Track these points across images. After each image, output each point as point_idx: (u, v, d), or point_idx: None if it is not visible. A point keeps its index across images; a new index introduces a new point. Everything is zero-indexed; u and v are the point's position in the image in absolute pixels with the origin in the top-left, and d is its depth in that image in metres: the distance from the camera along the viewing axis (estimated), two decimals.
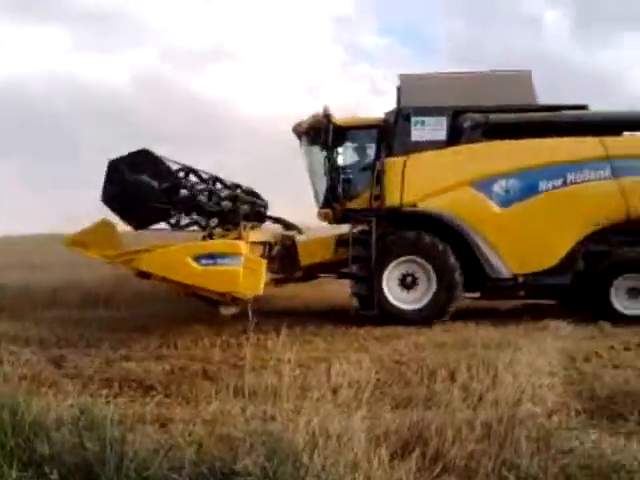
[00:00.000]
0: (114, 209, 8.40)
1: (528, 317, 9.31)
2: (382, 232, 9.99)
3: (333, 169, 10.55)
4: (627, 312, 9.58)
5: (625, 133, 10.42)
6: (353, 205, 10.44)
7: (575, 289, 9.92)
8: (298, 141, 11.32)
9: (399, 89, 10.70)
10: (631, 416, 4.66)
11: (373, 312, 9.65)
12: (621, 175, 9.74)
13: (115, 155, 8.46)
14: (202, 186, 9.33)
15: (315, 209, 11.24)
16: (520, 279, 9.82)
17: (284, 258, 10.42)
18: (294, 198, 13.85)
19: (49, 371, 6.32)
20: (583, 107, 10.45)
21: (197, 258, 7.97)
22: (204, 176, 9.63)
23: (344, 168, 10.79)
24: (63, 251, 10.55)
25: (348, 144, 10.96)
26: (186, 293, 9.14)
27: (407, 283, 9.85)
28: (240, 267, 7.91)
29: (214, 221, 9.21)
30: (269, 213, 11.95)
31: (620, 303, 9.63)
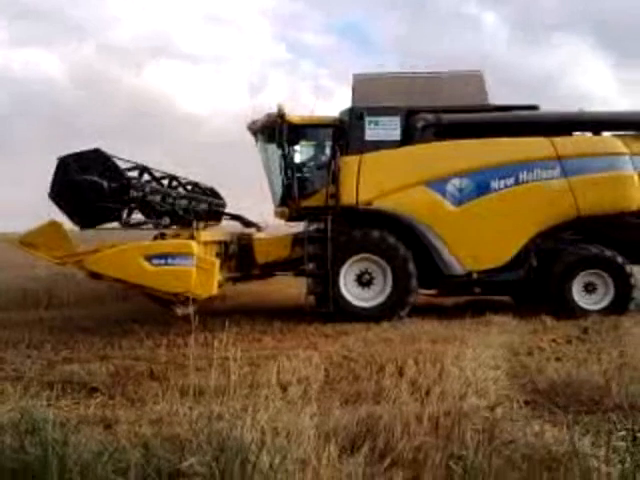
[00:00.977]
0: (61, 207, 8.28)
1: (473, 312, 9.49)
2: (337, 230, 10.09)
3: (288, 167, 10.59)
4: (587, 307, 9.93)
5: (575, 133, 10.74)
6: (309, 203, 10.50)
7: (527, 285, 10.23)
8: (253, 139, 11.31)
9: (353, 89, 10.80)
10: (571, 407, 4.80)
11: (329, 309, 9.78)
12: (570, 174, 10.06)
13: (61, 152, 8.29)
14: (153, 185, 9.17)
15: (272, 207, 11.25)
16: (474, 276, 10.07)
17: (241, 256, 10.47)
18: (241, 195, 13.77)
19: None
20: (534, 107, 10.78)
21: (149, 258, 7.94)
22: (157, 175, 9.51)
23: (299, 166, 10.86)
24: None
25: (303, 142, 11.02)
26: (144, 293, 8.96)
27: (364, 281, 9.99)
28: (192, 267, 7.91)
29: (166, 220, 9.10)
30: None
31: (580, 298, 9.99)
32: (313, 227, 10.48)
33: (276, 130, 10.24)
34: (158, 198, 9.05)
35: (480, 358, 6.26)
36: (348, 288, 9.97)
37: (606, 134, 10.70)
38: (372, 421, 4.01)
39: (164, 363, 6.62)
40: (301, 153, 11.04)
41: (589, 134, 10.77)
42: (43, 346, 7.54)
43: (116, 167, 8.27)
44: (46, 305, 11.40)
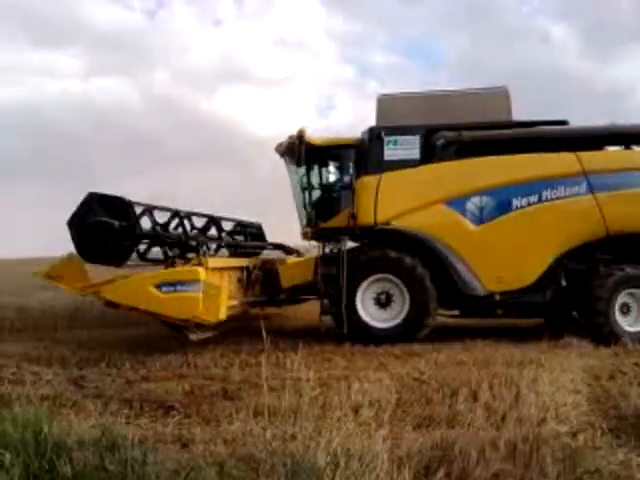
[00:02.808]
0: (73, 238, 8.77)
1: (549, 335, 9.18)
2: (355, 250, 10.11)
3: (311, 188, 10.74)
4: (626, 329, 9.37)
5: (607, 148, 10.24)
6: (332, 224, 10.41)
7: (556, 307, 9.86)
8: (283, 161, 11.39)
9: (377, 109, 10.66)
10: None
11: (343, 330, 9.64)
12: (598, 190, 9.53)
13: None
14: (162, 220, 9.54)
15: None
16: (497, 297, 9.70)
17: (266, 281, 10.60)
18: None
19: (70, 391, 6.32)
20: (563, 122, 10.31)
21: (159, 286, 8.19)
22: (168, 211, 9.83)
23: (322, 187, 10.90)
24: None
25: (325, 164, 10.98)
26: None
27: (382, 301, 9.83)
28: (199, 293, 8.06)
29: (175, 251, 9.31)
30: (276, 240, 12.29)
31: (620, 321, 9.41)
32: (330, 248, 10.53)
33: (295, 152, 10.29)
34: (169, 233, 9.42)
35: (558, 382, 6.05)
36: (366, 308, 9.81)
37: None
38: (446, 446, 3.93)
39: (237, 382, 6.70)
40: (323, 174, 10.99)
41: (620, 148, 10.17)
42: (122, 364, 7.78)
43: (130, 210, 8.71)
44: (124, 324, 11.75)
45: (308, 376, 5.11)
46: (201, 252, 8.78)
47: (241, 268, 9.91)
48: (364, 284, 9.81)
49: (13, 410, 4.28)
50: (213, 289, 8.25)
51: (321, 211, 10.65)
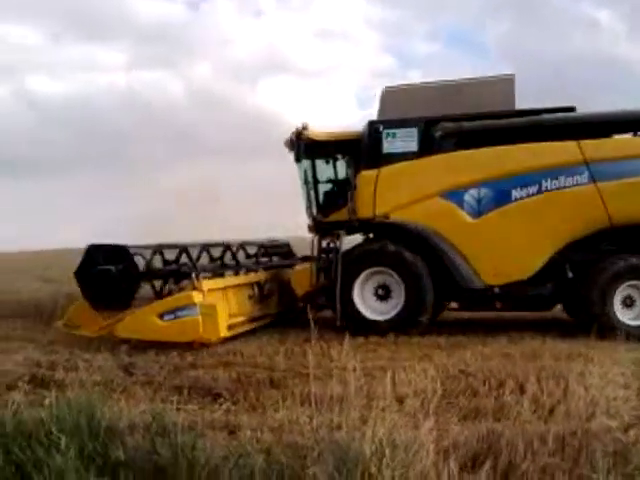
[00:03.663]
0: (82, 289, 9.34)
1: (597, 328, 8.99)
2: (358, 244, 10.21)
3: (315, 182, 10.83)
4: (627, 322, 9.03)
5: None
6: (336, 218, 10.43)
7: (560, 300, 9.69)
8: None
9: (380, 102, 10.63)
10: None
11: (340, 323, 9.65)
12: (600, 179, 9.13)
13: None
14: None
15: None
16: (496, 290, 9.48)
17: (282, 293, 10.87)
18: None
19: (120, 378, 6.50)
20: (571, 109, 9.88)
21: (161, 315, 8.66)
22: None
23: (326, 182, 10.95)
24: None
25: (328, 158, 10.98)
26: None
27: (381, 294, 9.84)
28: (198, 316, 8.48)
29: (171, 281, 9.54)
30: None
31: (621, 313, 9.09)
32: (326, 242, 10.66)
33: (295, 147, 10.46)
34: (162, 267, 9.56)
35: (607, 376, 5.92)
36: (366, 301, 9.84)
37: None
38: (493, 438, 3.91)
39: (283, 371, 6.77)
40: (325, 169, 11.03)
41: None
42: (170, 352, 7.95)
43: (127, 254, 9.13)
44: None
45: (354, 366, 5.14)
46: (194, 278, 8.97)
47: (251, 284, 10.32)
48: (362, 277, 9.83)
49: (67, 395, 4.42)
50: (209, 309, 8.62)
51: (324, 205, 10.78)
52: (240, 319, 9.58)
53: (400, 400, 5.22)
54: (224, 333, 8.78)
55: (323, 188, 10.96)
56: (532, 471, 3.49)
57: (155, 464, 3.53)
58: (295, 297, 10.74)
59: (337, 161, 11.04)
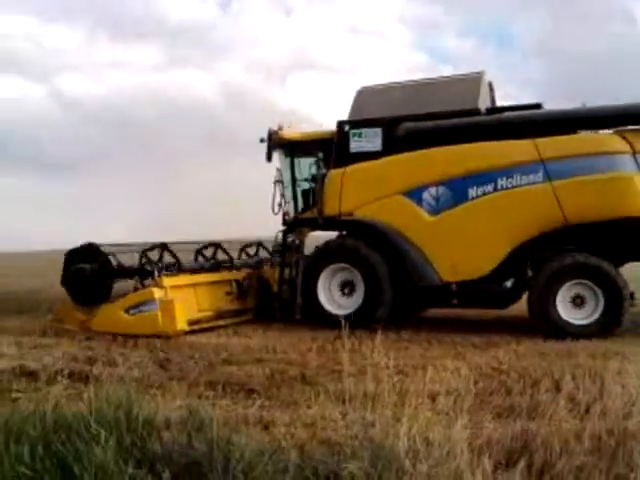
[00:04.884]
0: (68, 292, 10.57)
1: (634, 326, 8.85)
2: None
3: (289, 181, 11.40)
4: (574, 322, 8.94)
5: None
6: (308, 215, 10.94)
7: (518, 297, 9.74)
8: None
9: (353, 102, 10.88)
10: None
11: (297, 317, 10.31)
12: (555, 178, 9.09)
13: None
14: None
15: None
16: (453, 287, 9.59)
17: (262, 289, 11.40)
18: None
19: (157, 373, 6.61)
20: (538, 106, 9.98)
21: (127, 310, 9.53)
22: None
23: (300, 180, 11.42)
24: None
25: (302, 157, 11.42)
26: None
27: (346, 290, 10.21)
28: (157, 310, 9.23)
29: (136, 278, 10.30)
30: None
31: (567, 312, 8.99)
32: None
33: (266, 147, 10.99)
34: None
35: None
36: (332, 295, 10.26)
37: (609, 131, 9.41)
38: (528, 437, 3.88)
39: (315, 368, 6.81)
40: (300, 168, 11.46)
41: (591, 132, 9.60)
42: (204, 348, 8.05)
43: (99, 252, 10.31)
44: None
45: (387, 363, 5.15)
46: (155, 276, 9.66)
47: (229, 281, 10.92)
48: (326, 272, 10.23)
49: (105, 390, 4.51)
50: (167, 304, 9.28)
51: (299, 203, 11.35)
52: (209, 314, 10.19)
53: (433, 398, 5.21)
54: (181, 327, 9.30)
55: (297, 186, 11.50)
56: (568, 470, 3.45)
57: (191, 458, 3.59)
58: (272, 293, 11.34)
59: (312, 160, 11.31)
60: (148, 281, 10.05)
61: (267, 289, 11.43)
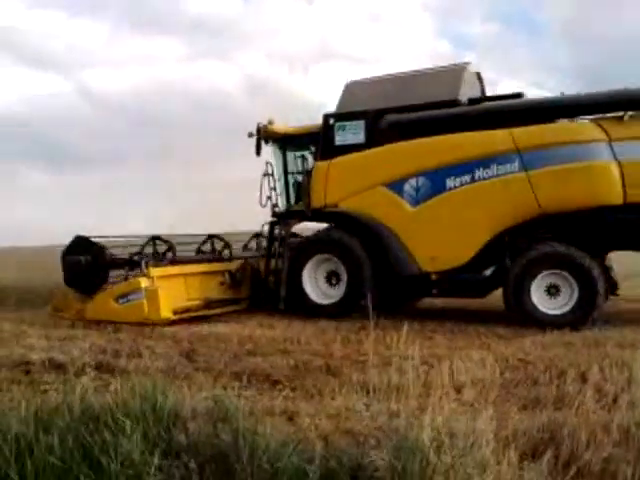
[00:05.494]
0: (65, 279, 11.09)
1: None
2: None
3: (282, 174, 11.75)
4: (548, 311, 8.99)
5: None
6: (298, 207, 11.30)
7: (497, 286, 9.71)
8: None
9: (341, 95, 11.14)
10: None
11: (280, 306, 10.70)
12: (531, 168, 9.13)
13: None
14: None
15: None
16: (433, 277, 9.78)
17: (254, 280, 11.66)
18: None
19: (182, 365, 6.66)
20: (519, 95, 10.05)
21: (116, 299, 10.05)
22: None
23: (291, 173, 11.78)
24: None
25: (293, 151, 11.80)
26: None
27: (332, 280, 10.51)
28: (143, 299, 9.72)
29: (126, 269, 10.82)
30: None
31: (541, 302, 9.06)
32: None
33: (255, 141, 11.33)
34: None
35: None
36: (318, 286, 10.57)
37: (585, 119, 9.44)
38: (554, 428, 3.85)
39: (339, 359, 6.82)
40: (290, 161, 11.79)
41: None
42: (229, 340, 8.10)
43: (91, 244, 10.85)
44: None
45: (412, 354, 5.13)
46: (142, 265, 10.14)
47: (222, 272, 11.30)
48: (311, 263, 10.55)
49: (132, 381, 4.56)
50: (152, 293, 9.74)
51: (291, 195, 11.72)
52: (198, 303, 10.56)
53: (458, 389, 5.21)
54: (165, 314, 9.73)
55: (289, 179, 11.82)
56: (595, 462, 3.42)
57: (217, 449, 3.62)
58: (264, 283, 11.65)
59: (302, 154, 11.76)
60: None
61: (258, 279, 11.78)
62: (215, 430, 3.77)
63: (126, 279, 10.55)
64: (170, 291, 10.06)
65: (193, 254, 11.90)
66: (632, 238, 9.08)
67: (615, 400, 4.61)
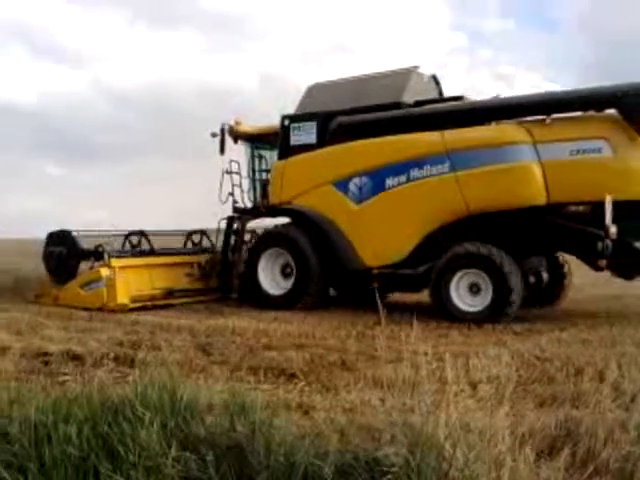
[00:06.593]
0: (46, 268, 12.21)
1: None
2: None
3: (249, 172, 12.53)
4: (467, 309, 9.34)
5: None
6: (261, 204, 12.14)
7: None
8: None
9: (302, 97, 11.73)
10: None
11: (233, 296, 11.67)
12: (458, 168, 9.51)
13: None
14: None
15: None
16: (374, 271, 10.21)
17: (221, 273, 12.23)
18: None
19: (199, 357, 6.70)
20: (459, 98, 10.51)
21: (82, 287, 11.14)
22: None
23: (256, 171, 12.58)
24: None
25: (263, 149, 12.56)
26: None
27: (286, 272, 11.12)
28: (104, 287, 10.74)
29: (92, 259, 11.72)
30: None
31: (460, 299, 9.41)
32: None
33: (220, 140, 12.01)
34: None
35: None
36: (273, 278, 11.18)
37: (509, 122, 9.74)
38: (571, 426, 3.83)
39: (354, 353, 6.83)
40: (255, 159, 12.58)
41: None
42: (245, 333, 8.14)
43: (71, 238, 11.92)
44: None
45: (425, 350, 5.12)
46: (105, 257, 11.09)
47: (190, 264, 12.21)
48: (265, 256, 11.18)
49: (150, 373, 4.60)
50: (111, 281, 10.75)
51: (257, 192, 12.43)
52: (161, 292, 11.49)
53: (473, 386, 5.19)
54: (121, 301, 10.67)
55: (256, 177, 12.56)
56: (613, 460, 3.40)
57: (233, 441, 3.64)
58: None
59: (266, 153, 12.60)
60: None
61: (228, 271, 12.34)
62: (232, 423, 3.79)
63: (91, 269, 11.54)
64: (130, 280, 11.08)
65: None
66: (556, 239, 9.43)
67: (633, 399, 4.58)
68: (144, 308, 10.86)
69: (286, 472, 3.25)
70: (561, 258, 10.75)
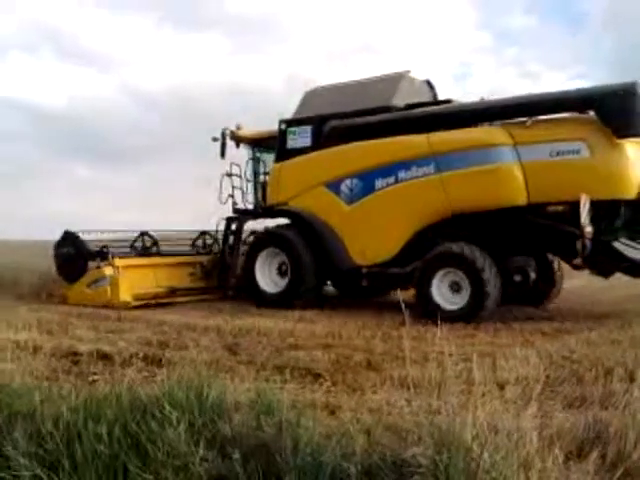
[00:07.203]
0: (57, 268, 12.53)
1: None
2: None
3: (250, 175, 12.93)
4: (448, 307, 9.46)
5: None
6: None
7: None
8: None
9: (300, 102, 12.08)
10: None
11: (229, 294, 12.15)
12: (443, 170, 9.75)
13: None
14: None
15: None
16: (364, 270, 10.56)
17: (221, 273, 12.57)
18: None
19: (226, 357, 6.75)
20: (448, 102, 10.71)
21: (89, 285, 11.73)
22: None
23: (257, 174, 12.98)
24: None
25: (264, 153, 12.89)
26: None
27: (282, 271, 11.38)
28: (107, 285, 11.38)
29: (98, 259, 12.00)
30: None
31: (442, 298, 9.57)
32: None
33: (220, 145, 12.42)
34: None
35: None
36: (270, 277, 11.47)
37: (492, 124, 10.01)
38: (601, 427, 3.78)
39: (380, 354, 6.82)
40: (255, 163, 12.99)
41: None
42: (271, 333, 8.18)
43: (76, 239, 12.33)
44: None
45: (451, 350, 5.10)
46: (109, 256, 11.64)
47: (193, 264, 12.73)
48: (262, 255, 11.46)
49: (178, 373, 4.64)
50: (114, 280, 11.34)
51: (259, 194, 12.76)
52: (164, 290, 11.97)
53: (501, 386, 5.15)
54: (124, 298, 11.20)
55: (257, 180, 12.90)
56: None
57: (260, 440, 3.66)
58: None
59: (265, 157, 12.93)
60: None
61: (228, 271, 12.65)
62: (258, 422, 3.82)
63: (97, 268, 11.89)
64: (133, 279, 11.60)
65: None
66: (537, 238, 9.54)
67: None
68: (160, 305, 11.46)
69: (314, 471, 3.26)
70: (551, 257, 10.77)
